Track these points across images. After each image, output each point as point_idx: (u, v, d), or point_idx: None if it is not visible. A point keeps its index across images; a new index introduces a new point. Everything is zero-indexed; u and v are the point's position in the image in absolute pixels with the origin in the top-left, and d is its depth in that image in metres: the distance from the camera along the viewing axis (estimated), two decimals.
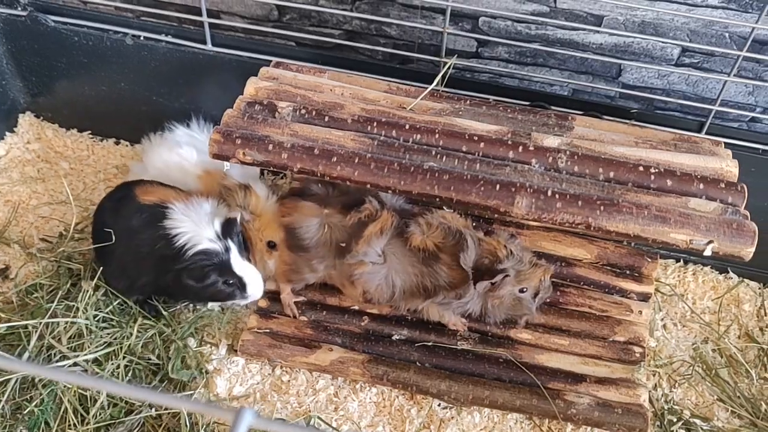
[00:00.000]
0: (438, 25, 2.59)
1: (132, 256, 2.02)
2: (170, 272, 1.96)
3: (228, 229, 1.99)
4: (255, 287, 2.04)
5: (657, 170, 1.76)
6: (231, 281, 1.99)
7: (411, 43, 2.72)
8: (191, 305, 2.24)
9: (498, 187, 1.69)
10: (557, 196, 1.68)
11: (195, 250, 1.94)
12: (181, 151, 2.28)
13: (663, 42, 2.46)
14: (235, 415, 0.61)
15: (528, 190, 1.68)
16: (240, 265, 2.00)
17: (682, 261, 2.49)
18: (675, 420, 2.05)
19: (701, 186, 1.74)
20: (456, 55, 2.27)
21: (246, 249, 2.07)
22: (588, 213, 1.66)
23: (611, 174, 1.76)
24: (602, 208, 1.66)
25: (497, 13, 2.51)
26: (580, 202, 1.67)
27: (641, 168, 1.76)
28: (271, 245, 2.12)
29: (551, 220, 1.67)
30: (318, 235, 2.02)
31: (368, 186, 1.76)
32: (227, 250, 1.97)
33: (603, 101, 2.64)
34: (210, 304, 2.23)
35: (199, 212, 2.01)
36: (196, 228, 1.97)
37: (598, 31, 2.49)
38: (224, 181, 2.13)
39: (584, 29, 2.51)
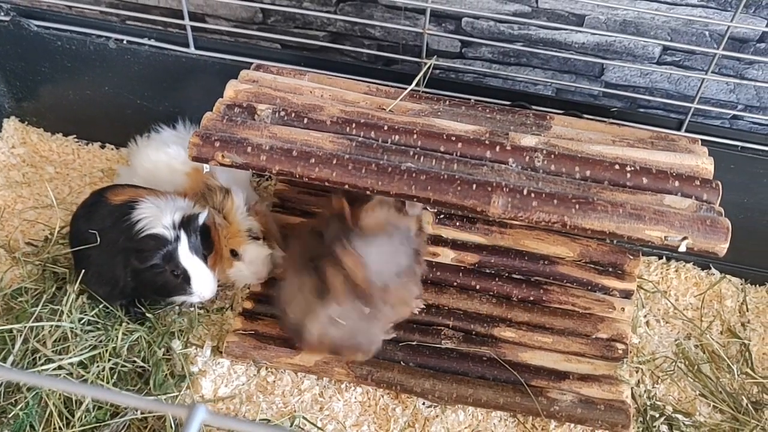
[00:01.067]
0: (421, 25, 2.60)
1: (107, 259, 2.03)
2: (129, 261, 1.98)
3: (186, 222, 1.99)
4: (201, 284, 2.03)
5: (633, 168, 1.77)
6: (177, 272, 2.00)
7: (395, 44, 2.73)
8: (177, 307, 2.25)
9: (475, 186, 1.71)
10: (533, 194, 1.69)
11: (147, 233, 1.96)
12: (169, 150, 2.30)
13: (644, 41, 2.48)
14: (188, 411, 0.62)
15: (504, 189, 1.70)
16: (188, 258, 2.00)
17: (664, 258, 2.51)
18: (657, 416, 2.07)
19: (677, 183, 1.75)
20: (436, 56, 2.29)
21: (206, 249, 2.07)
22: (563, 211, 1.67)
23: (587, 172, 1.78)
24: (577, 206, 1.67)
25: (480, 13, 2.53)
26: (555, 201, 1.68)
27: (617, 166, 1.78)
28: (234, 254, 2.14)
29: (527, 219, 1.68)
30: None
31: (346, 186, 1.77)
32: (176, 239, 1.97)
33: (586, 100, 2.66)
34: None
35: (168, 204, 2.03)
36: (156, 214, 1.99)
37: (579, 31, 2.51)
38: (208, 181, 2.15)
39: (566, 29, 2.52)
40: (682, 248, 1.65)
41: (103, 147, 2.79)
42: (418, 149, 1.83)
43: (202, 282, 2.04)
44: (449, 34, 2.60)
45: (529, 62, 2.65)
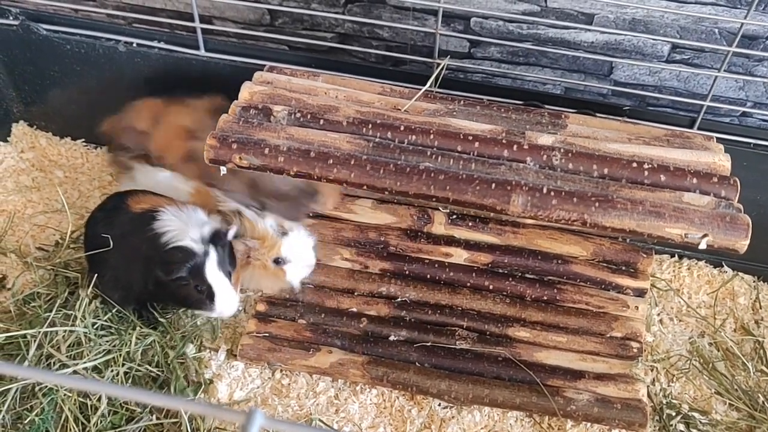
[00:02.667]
0: (430, 26, 2.60)
1: (124, 264, 2.02)
2: (151, 270, 1.94)
3: (215, 237, 1.96)
4: (224, 303, 1.98)
5: (650, 166, 1.77)
6: (201, 288, 1.95)
7: (404, 45, 2.73)
8: (189, 311, 2.23)
9: (494, 185, 1.71)
10: (552, 193, 1.69)
11: (174, 245, 1.92)
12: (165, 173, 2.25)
13: (653, 39, 2.48)
14: (246, 416, 0.61)
15: (523, 188, 1.69)
16: (214, 275, 1.95)
17: (676, 256, 2.51)
18: (674, 414, 2.07)
19: (694, 180, 1.75)
20: (449, 56, 2.28)
21: (231, 265, 2.02)
22: (583, 209, 1.67)
23: (605, 170, 1.78)
24: (597, 204, 1.67)
25: (489, 13, 2.53)
26: (575, 199, 1.68)
27: (635, 164, 1.78)
28: (278, 262, 2.11)
29: (547, 218, 1.68)
30: None
31: (365, 188, 1.76)
32: (205, 254, 1.93)
33: (596, 99, 2.66)
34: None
35: (190, 216, 2.00)
36: (182, 227, 1.95)
37: (589, 30, 2.51)
38: (220, 207, 2.12)
39: (575, 28, 2.52)
40: (703, 245, 1.65)
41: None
42: (435, 149, 1.83)
43: (226, 300, 1.98)
44: (458, 34, 2.60)
45: (538, 62, 2.66)
